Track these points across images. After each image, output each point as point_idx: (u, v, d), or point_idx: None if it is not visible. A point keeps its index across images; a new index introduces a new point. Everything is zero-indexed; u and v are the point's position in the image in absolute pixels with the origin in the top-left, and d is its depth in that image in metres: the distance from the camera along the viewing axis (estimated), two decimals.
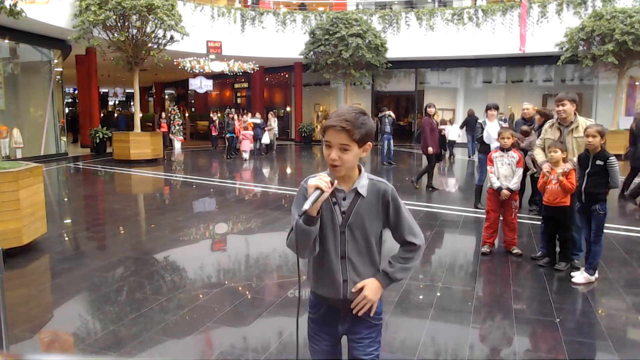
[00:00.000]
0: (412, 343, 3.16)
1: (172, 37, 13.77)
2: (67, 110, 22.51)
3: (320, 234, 1.72)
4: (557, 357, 2.98)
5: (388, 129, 13.16)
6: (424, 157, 9.17)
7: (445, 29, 18.18)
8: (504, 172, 5.00)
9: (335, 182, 1.68)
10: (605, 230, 4.29)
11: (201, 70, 17.31)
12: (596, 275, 4.25)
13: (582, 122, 4.59)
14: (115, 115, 27.68)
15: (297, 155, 17.19)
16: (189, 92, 25.14)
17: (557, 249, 4.64)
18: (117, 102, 38.24)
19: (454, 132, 14.89)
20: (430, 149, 8.59)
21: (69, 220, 6.94)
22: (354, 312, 1.77)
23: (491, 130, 6.92)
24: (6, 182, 4.81)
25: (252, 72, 18.71)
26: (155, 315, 3.54)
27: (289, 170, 13.31)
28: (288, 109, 23.04)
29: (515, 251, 4.99)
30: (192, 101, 28.58)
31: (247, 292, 4.08)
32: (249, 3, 20.14)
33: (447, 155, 14.61)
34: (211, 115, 18.69)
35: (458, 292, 4.11)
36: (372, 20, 18.48)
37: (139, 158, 13.85)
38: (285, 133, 22.76)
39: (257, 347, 3.13)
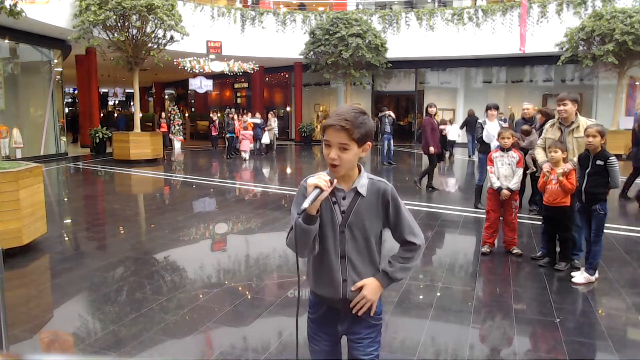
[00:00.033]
0: (412, 343, 3.16)
1: (172, 37, 13.77)
2: (67, 110, 22.52)
3: (320, 233, 1.72)
4: (557, 357, 2.98)
5: (388, 129, 13.15)
6: (424, 157, 9.16)
7: (445, 29, 18.18)
8: (504, 172, 5.00)
9: (335, 181, 1.68)
10: (605, 230, 4.28)
11: (201, 70, 17.31)
12: (596, 275, 4.24)
13: (583, 122, 4.58)
14: (115, 115, 27.65)
15: (297, 155, 17.19)
16: (189, 92, 25.14)
17: (557, 249, 4.64)
18: (117, 102, 38.23)
19: (454, 132, 14.89)
20: (431, 149, 8.59)
21: (69, 220, 6.94)
22: (353, 311, 1.77)
23: (491, 130, 6.92)
24: (6, 182, 4.81)
25: (252, 72, 18.71)
26: (155, 315, 3.54)
27: (289, 170, 13.31)
28: (288, 109, 23.04)
29: (515, 251, 4.99)
30: (192, 101, 28.58)
31: (247, 292, 4.08)
32: (249, 3, 20.15)
33: (447, 155, 14.61)
34: (211, 115, 18.69)
35: (458, 292, 4.11)
36: (372, 20, 18.48)
37: (138, 158, 13.85)
38: (285, 133, 22.77)
39: (257, 347, 3.13)
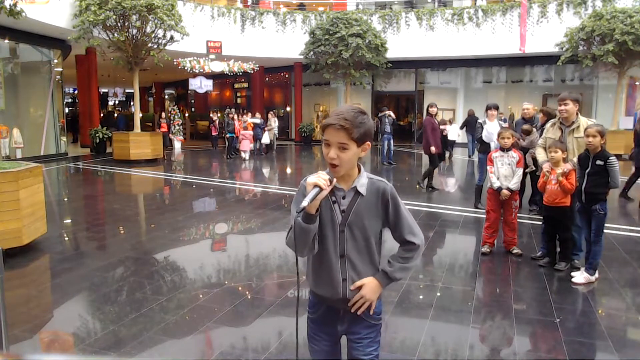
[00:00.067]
0: (412, 343, 3.16)
1: (172, 37, 13.77)
2: (67, 110, 22.52)
3: (319, 232, 1.72)
4: (557, 357, 2.98)
5: (388, 129, 13.16)
6: (424, 157, 9.16)
7: (445, 29, 18.18)
8: (504, 172, 5.00)
9: (334, 180, 1.68)
10: (605, 230, 4.28)
11: (201, 70, 17.31)
12: (596, 275, 4.24)
13: (584, 122, 4.57)
14: (115, 115, 27.65)
15: (297, 155, 17.19)
16: (189, 92, 25.14)
17: (557, 249, 4.63)
18: (117, 102, 38.23)
19: (454, 132, 14.89)
20: (432, 149, 8.59)
21: (69, 220, 6.94)
22: (352, 310, 1.77)
23: (491, 130, 6.92)
24: (6, 182, 4.81)
25: (252, 72, 18.71)
26: (155, 315, 3.54)
27: (288, 170, 13.31)
28: (288, 109, 23.05)
29: (515, 251, 4.99)
30: (192, 101, 28.58)
31: (247, 292, 4.08)
32: (249, 3, 20.15)
33: (447, 155, 14.61)
34: (211, 115, 18.69)
35: (458, 292, 4.11)
36: (372, 20, 18.48)
37: (138, 158, 13.85)
38: (285, 133, 22.77)
39: (257, 347, 3.13)
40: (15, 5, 6.81)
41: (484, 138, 7.13)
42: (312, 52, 17.52)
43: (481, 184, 7.23)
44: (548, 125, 4.95)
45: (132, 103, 24.21)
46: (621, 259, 4.90)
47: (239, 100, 25.27)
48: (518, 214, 5.29)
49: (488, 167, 5.16)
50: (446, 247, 5.65)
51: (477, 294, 4.06)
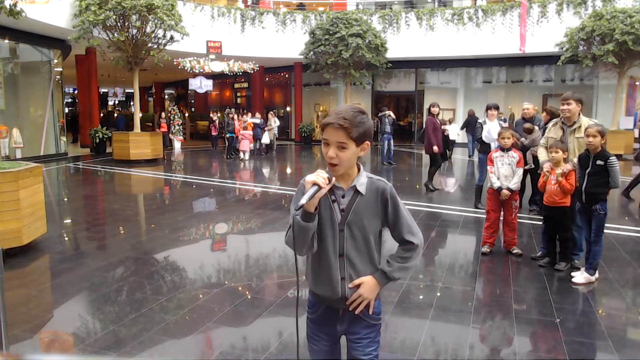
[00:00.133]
0: (412, 343, 3.16)
1: (172, 37, 13.77)
2: (67, 110, 22.51)
3: (318, 231, 1.72)
4: (557, 357, 2.98)
5: (388, 129, 13.15)
6: (424, 157, 9.16)
7: (445, 29, 18.18)
8: (504, 172, 5.00)
9: (333, 179, 1.68)
10: (605, 230, 4.28)
11: (201, 70, 17.31)
12: (596, 275, 4.24)
13: (585, 122, 4.57)
14: (115, 115, 27.65)
15: (297, 155, 17.19)
16: (189, 92, 25.14)
17: (557, 249, 4.63)
18: (116, 102, 38.23)
19: (454, 132, 14.89)
20: (435, 148, 8.58)
21: (68, 220, 6.94)
22: (350, 308, 1.77)
23: (491, 130, 6.92)
24: (6, 182, 4.81)
25: (252, 72, 18.71)
26: (155, 315, 3.54)
27: (288, 170, 13.31)
28: (288, 109, 23.05)
29: (515, 251, 4.99)
30: (192, 101, 28.58)
31: (247, 292, 4.08)
32: (249, 3, 20.15)
33: (448, 155, 14.62)
34: (211, 115, 18.70)
35: (458, 292, 4.11)
36: (372, 20, 18.48)
37: (138, 158, 13.84)
38: (285, 133, 22.77)
39: (257, 347, 3.13)
40: (15, 5, 6.81)
41: (484, 138, 7.13)
42: (312, 52, 17.52)
43: (481, 184, 7.23)
44: (550, 125, 4.95)
45: (132, 103, 24.21)
46: (621, 259, 4.90)
47: (239, 100, 25.27)
48: (518, 214, 5.28)
49: (488, 167, 5.16)
50: (446, 247, 5.65)
51: (477, 294, 4.06)
